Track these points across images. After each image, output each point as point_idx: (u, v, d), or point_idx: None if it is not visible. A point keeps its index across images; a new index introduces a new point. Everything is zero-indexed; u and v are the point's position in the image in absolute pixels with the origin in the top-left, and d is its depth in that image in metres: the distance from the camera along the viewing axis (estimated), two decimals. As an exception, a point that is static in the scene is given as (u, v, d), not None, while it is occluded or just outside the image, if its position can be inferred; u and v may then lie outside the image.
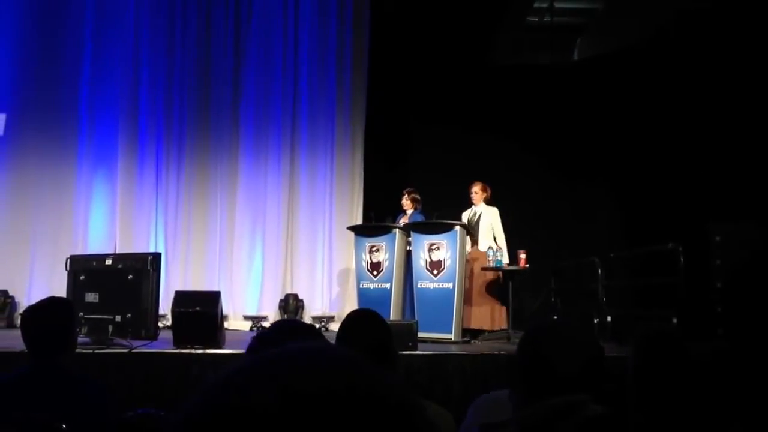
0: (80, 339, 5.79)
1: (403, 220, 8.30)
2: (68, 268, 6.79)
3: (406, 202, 8.42)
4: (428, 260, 7.61)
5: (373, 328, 2.86)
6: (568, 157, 9.13)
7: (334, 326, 8.43)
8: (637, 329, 2.82)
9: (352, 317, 3.08)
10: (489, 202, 8.02)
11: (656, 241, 7.62)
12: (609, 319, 7.55)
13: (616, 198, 9.07)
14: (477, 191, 8.00)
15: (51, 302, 3.05)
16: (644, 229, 8.48)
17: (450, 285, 7.45)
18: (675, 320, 6.68)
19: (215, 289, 8.45)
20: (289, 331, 2.65)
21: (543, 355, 2.19)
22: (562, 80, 9.28)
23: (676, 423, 2.39)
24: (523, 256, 7.54)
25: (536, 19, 8.84)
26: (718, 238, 6.83)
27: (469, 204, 8.06)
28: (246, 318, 9.05)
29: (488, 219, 7.93)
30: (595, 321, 7.57)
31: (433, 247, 7.60)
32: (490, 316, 7.84)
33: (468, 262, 7.71)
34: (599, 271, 7.81)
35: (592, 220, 8.94)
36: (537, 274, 8.07)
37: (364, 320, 2.98)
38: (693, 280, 6.83)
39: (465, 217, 8.08)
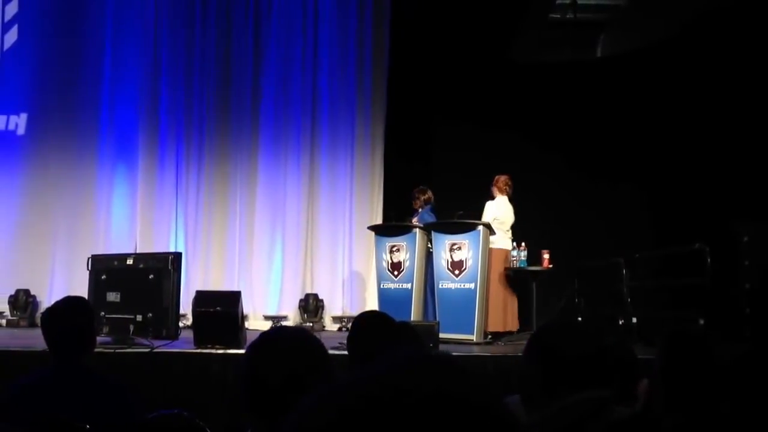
0: (101, 338, 5.78)
1: (414, 220, 8.19)
2: (90, 268, 6.79)
3: (415, 202, 8.31)
4: (449, 260, 7.54)
5: (383, 331, 2.82)
6: (592, 155, 9.01)
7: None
8: (663, 330, 2.75)
9: (361, 319, 3.03)
10: (493, 197, 7.89)
11: (682, 241, 7.52)
12: (634, 320, 7.45)
13: (641, 197, 8.95)
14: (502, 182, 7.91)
15: (69, 302, 3.03)
16: (670, 229, 8.37)
17: (472, 285, 7.37)
18: (702, 322, 6.59)
19: (235, 288, 8.43)
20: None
21: (552, 345, 2.14)
22: (585, 77, 9.17)
23: (703, 425, 2.33)
24: (546, 256, 7.46)
25: (558, 16, 8.74)
26: (746, 238, 6.71)
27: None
28: (266, 318, 9.01)
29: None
30: (620, 322, 7.48)
31: (455, 246, 7.52)
32: (503, 317, 7.77)
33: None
34: (624, 271, 7.71)
35: (617, 220, 8.82)
36: (560, 274, 7.98)
37: (373, 323, 2.93)
38: (720, 281, 6.72)
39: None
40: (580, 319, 8.24)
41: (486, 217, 7.70)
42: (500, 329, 7.65)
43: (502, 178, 7.90)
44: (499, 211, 7.78)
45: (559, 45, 9.02)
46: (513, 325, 7.75)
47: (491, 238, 7.57)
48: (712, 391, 2.34)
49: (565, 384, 2.10)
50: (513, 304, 7.86)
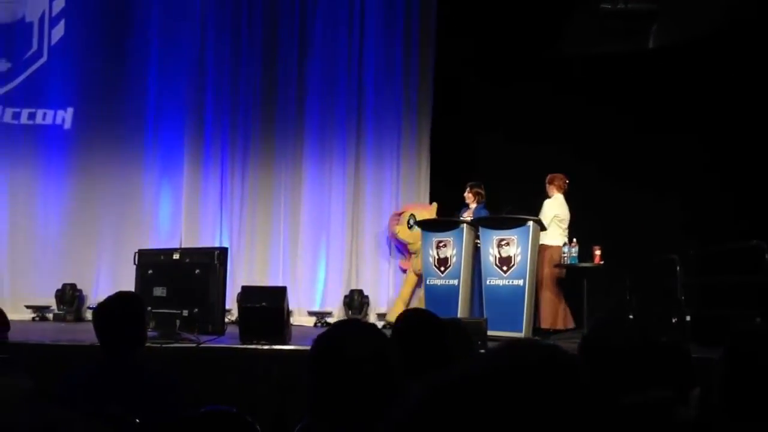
0: (148, 333, 5.77)
1: (467, 214, 8.13)
2: (136, 263, 6.81)
3: (469, 196, 8.26)
4: (497, 256, 7.42)
5: (428, 330, 2.74)
6: (643, 149, 8.81)
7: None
8: (730, 328, 2.60)
9: (405, 318, 2.95)
10: (549, 195, 7.85)
11: (738, 237, 7.31)
12: (688, 318, 7.25)
13: (696, 192, 8.72)
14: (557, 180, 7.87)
15: (120, 297, 3.03)
16: (725, 226, 8.14)
17: (520, 282, 7.25)
18: (759, 320, 6.38)
19: (279, 284, 8.41)
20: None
21: (600, 339, 2.09)
22: (635, 69, 8.97)
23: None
24: (597, 252, 7.31)
25: (609, 6, 8.54)
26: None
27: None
28: (310, 314, 8.97)
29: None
30: (673, 321, 7.28)
31: (503, 242, 7.40)
32: (556, 314, 7.65)
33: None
34: (678, 268, 7.52)
35: (670, 216, 8.61)
36: (612, 271, 7.81)
37: (419, 321, 2.85)
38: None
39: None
40: (631, 317, 8.05)
41: (546, 215, 7.64)
42: (554, 326, 7.54)
43: (559, 177, 7.84)
44: (559, 208, 7.74)
45: (609, 36, 8.81)
46: (566, 322, 7.62)
47: (543, 234, 7.48)
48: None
49: (614, 378, 2.01)
50: (566, 301, 7.76)
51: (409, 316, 2.99)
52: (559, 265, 7.54)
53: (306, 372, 1.84)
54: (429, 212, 8.74)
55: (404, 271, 9.10)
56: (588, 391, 0.77)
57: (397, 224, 8.93)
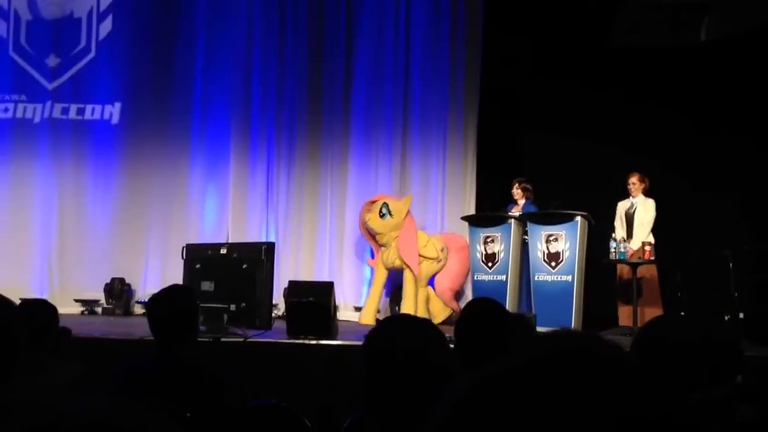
0: (196, 327, 5.80)
1: (515, 210, 8.03)
2: (184, 257, 6.85)
3: (517, 192, 8.15)
4: (546, 251, 7.32)
5: (493, 320, 2.71)
6: (695, 145, 8.63)
7: (447, 319, 8.25)
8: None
9: (472, 307, 2.91)
10: (647, 193, 7.69)
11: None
12: (741, 316, 7.09)
13: (749, 188, 8.51)
14: (635, 182, 7.67)
15: (173, 290, 3.05)
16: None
17: (569, 278, 7.15)
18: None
19: (325, 279, 8.40)
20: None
21: (655, 334, 2.05)
22: (687, 63, 8.77)
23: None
24: (648, 248, 7.18)
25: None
26: None
27: (625, 194, 7.79)
28: (356, 309, 8.94)
29: (643, 212, 7.61)
30: (726, 318, 7.12)
31: (551, 238, 7.31)
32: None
33: None
34: (731, 265, 7.35)
35: (723, 212, 8.42)
36: (663, 267, 7.67)
37: (485, 311, 2.81)
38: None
39: (621, 207, 7.79)
40: (682, 314, 7.89)
41: (653, 217, 7.55)
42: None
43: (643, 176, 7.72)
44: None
45: (660, 29, 8.63)
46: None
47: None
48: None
49: (672, 375, 1.96)
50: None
51: (476, 305, 2.97)
52: (608, 261, 7.41)
53: (360, 366, 1.85)
54: (404, 203, 8.49)
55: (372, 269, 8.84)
56: (634, 380, 0.77)
57: (369, 212, 8.49)
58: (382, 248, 8.52)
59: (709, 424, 1.98)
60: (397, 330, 1.89)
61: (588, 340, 0.80)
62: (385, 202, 8.42)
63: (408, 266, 8.26)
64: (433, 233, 8.91)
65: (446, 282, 8.55)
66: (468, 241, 8.15)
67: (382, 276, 8.51)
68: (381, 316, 8.52)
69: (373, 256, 8.91)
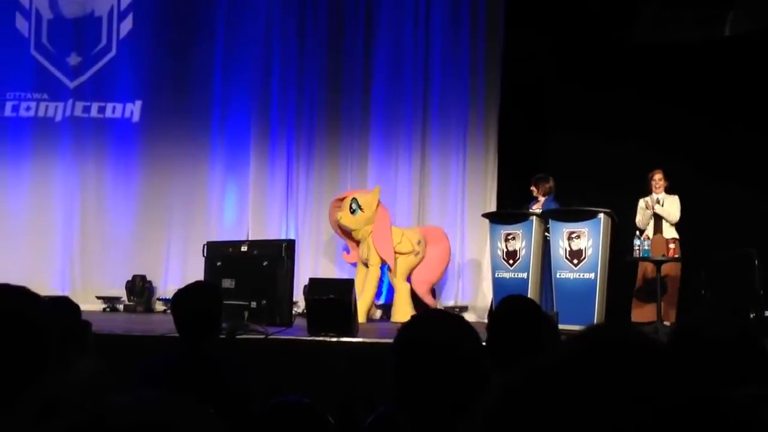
0: (217, 324, 5.80)
1: (535, 207, 7.95)
2: (205, 254, 6.86)
3: (536, 189, 8.06)
4: (568, 249, 7.25)
5: (526, 317, 2.68)
6: (719, 142, 8.53)
7: (467, 316, 8.20)
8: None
9: (505, 305, 2.88)
10: (669, 190, 7.65)
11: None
12: (767, 314, 7.01)
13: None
14: (660, 178, 7.64)
15: (198, 286, 3.06)
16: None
17: (591, 275, 7.06)
18: None
19: (345, 276, 8.39)
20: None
21: (690, 329, 2.02)
22: (705, 59, 8.68)
23: None
24: (672, 246, 7.11)
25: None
26: None
27: (648, 191, 7.76)
28: (377, 306, 8.91)
29: (670, 206, 7.60)
30: (752, 316, 7.03)
31: (573, 235, 7.22)
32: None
33: None
34: (756, 262, 7.26)
35: (748, 209, 8.32)
36: (687, 265, 7.59)
37: (518, 309, 2.79)
38: None
39: (642, 203, 7.73)
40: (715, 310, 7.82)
41: (678, 212, 7.54)
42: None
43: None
44: None
45: (684, 23, 8.54)
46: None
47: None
48: None
49: (707, 371, 1.94)
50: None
51: (512, 302, 2.95)
52: (631, 259, 7.35)
53: (389, 360, 1.85)
54: (372, 195, 8.37)
55: (354, 264, 8.74)
56: (672, 373, 0.79)
57: (339, 211, 8.40)
58: (360, 245, 8.44)
59: (752, 420, 1.94)
60: (429, 324, 1.89)
61: (631, 333, 0.84)
62: (354, 198, 8.36)
63: (383, 260, 8.21)
64: (453, 231, 8.89)
65: (423, 274, 8.46)
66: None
67: (364, 273, 8.34)
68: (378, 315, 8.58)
69: (348, 251, 8.88)
